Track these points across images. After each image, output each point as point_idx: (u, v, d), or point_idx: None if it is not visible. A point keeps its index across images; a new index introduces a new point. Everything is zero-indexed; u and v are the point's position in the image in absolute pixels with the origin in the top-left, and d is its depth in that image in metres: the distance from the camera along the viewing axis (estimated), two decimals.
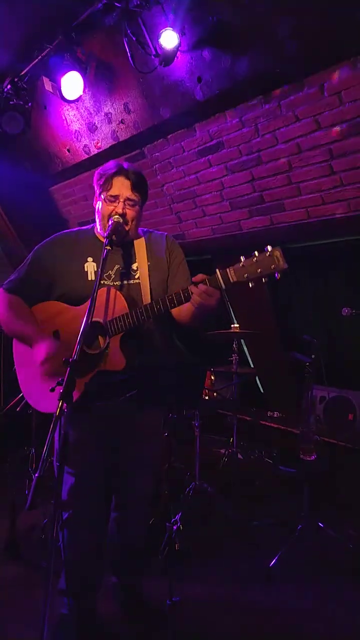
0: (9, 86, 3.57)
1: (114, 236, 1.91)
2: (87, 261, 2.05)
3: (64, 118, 3.75)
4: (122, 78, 3.17)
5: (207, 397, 3.69)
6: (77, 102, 3.37)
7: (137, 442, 2.08)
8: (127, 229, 2.00)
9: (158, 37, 2.65)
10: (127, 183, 1.99)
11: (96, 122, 3.55)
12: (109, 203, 2.00)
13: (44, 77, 3.26)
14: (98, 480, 2.07)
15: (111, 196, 1.99)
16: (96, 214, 2.08)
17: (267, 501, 3.55)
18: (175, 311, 1.97)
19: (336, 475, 3.48)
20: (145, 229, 2.19)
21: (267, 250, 1.65)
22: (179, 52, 2.71)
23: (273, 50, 2.42)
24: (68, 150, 3.95)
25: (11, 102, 3.62)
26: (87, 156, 3.84)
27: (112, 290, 1.94)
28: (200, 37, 2.63)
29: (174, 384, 1.81)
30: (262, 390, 4.70)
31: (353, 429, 3.67)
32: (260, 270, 1.65)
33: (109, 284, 2.00)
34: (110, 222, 1.95)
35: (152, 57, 2.77)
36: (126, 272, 2.04)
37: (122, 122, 3.39)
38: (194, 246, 4.06)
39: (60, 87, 3.17)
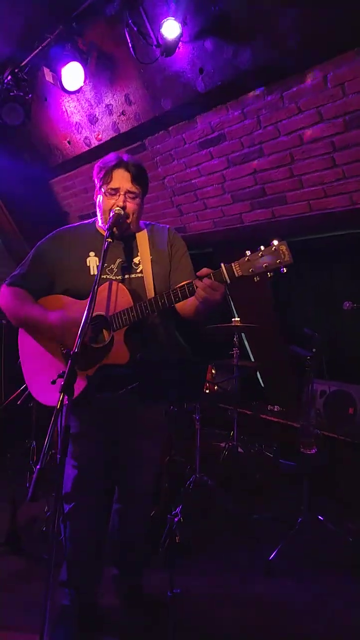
0: (9, 77, 3.53)
1: (115, 229, 1.90)
2: (89, 256, 2.05)
3: (64, 110, 3.72)
4: (123, 69, 3.14)
5: (207, 391, 3.70)
6: (78, 93, 3.35)
7: (138, 435, 2.08)
8: (128, 221, 1.99)
9: (160, 27, 2.62)
10: (127, 175, 1.97)
11: (97, 114, 3.53)
12: (110, 196, 1.99)
13: (44, 68, 3.23)
14: (100, 472, 2.08)
15: (111, 189, 1.98)
16: (97, 207, 2.07)
17: (267, 495, 3.56)
18: (179, 305, 1.97)
19: (336, 469, 3.49)
20: (147, 222, 2.17)
21: (273, 245, 1.65)
22: (180, 43, 2.68)
23: (276, 41, 2.39)
24: (68, 142, 3.92)
25: (11, 94, 3.58)
26: (87, 148, 3.81)
27: (116, 284, 1.93)
28: (202, 27, 2.60)
29: (176, 379, 1.80)
30: (262, 384, 4.70)
31: (353, 422, 3.67)
32: (266, 264, 1.65)
33: (112, 278, 2.00)
34: (111, 215, 1.94)
35: (154, 47, 2.75)
36: (128, 266, 2.04)
37: (123, 113, 3.36)
38: (195, 239, 4.04)
39: (60, 78, 3.14)
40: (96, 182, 2.05)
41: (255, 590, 2.57)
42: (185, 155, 3.53)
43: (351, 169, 2.82)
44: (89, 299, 1.66)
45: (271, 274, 1.66)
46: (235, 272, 1.69)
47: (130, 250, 2.06)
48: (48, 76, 3.23)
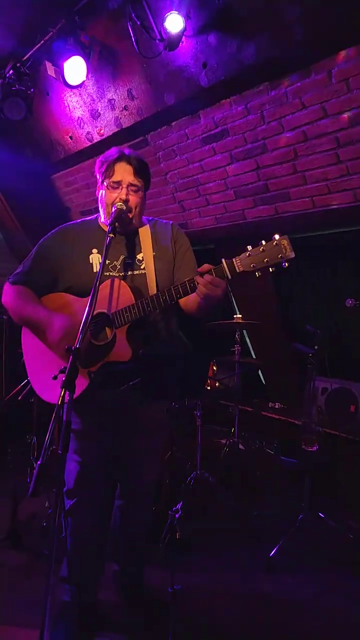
0: (11, 71, 3.51)
1: (117, 224, 1.89)
2: (91, 253, 2.03)
3: (66, 104, 3.70)
4: (125, 63, 3.12)
5: (209, 388, 3.69)
6: (80, 88, 3.32)
7: (140, 433, 2.08)
8: (130, 216, 1.98)
9: (163, 21, 2.60)
10: (129, 168, 1.96)
11: (99, 109, 3.51)
12: (112, 190, 1.98)
13: (46, 62, 3.21)
14: (103, 469, 2.08)
15: (114, 182, 1.97)
16: (99, 202, 2.05)
17: (267, 491, 3.56)
18: (182, 302, 1.96)
19: (337, 467, 3.48)
20: (150, 218, 2.16)
21: (275, 239, 1.63)
22: (184, 37, 2.66)
23: (280, 35, 2.37)
24: (70, 138, 3.90)
25: (13, 88, 3.56)
26: (89, 143, 3.79)
27: (118, 281, 1.92)
28: (206, 21, 2.58)
29: (178, 374, 1.79)
30: (263, 381, 4.69)
31: (355, 420, 3.66)
32: (267, 259, 1.63)
33: (115, 275, 1.99)
34: (113, 210, 1.92)
35: (157, 41, 2.73)
36: (131, 263, 2.03)
37: (125, 108, 3.34)
38: (197, 235, 4.02)
39: (63, 72, 3.13)
40: (98, 176, 2.03)
41: (256, 587, 2.57)
42: (187, 151, 3.52)
43: (355, 165, 2.80)
44: (90, 296, 1.66)
45: (273, 269, 1.65)
46: (237, 268, 1.68)
47: (134, 246, 2.05)
48: (50, 70, 3.21)
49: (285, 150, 3.02)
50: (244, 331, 4.50)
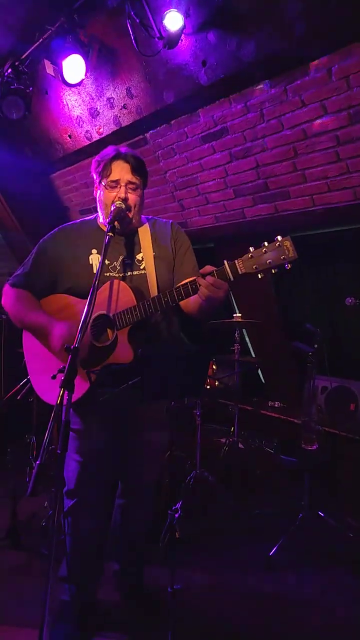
0: (9, 70, 3.49)
1: (116, 222, 1.88)
2: (91, 253, 2.02)
3: (65, 103, 3.69)
4: (124, 61, 3.11)
5: (208, 387, 3.69)
6: (79, 86, 3.31)
7: (140, 431, 2.07)
8: (130, 215, 1.97)
9: (162, 18, 2.59)
10: (126, 167, 1.95)
11: (98, 107, 3.50)
12: (111, 189, 1.96)
13: (45, 60, 3.20)
14: (103, 468, 2.07)
15: (112, 181, 1.96)
16: (98, 203, 2.04)
17: (267, 490, 3.55)
18: (182, 303, 1.95)
19: (337, 465, 3.48)
20: (149, 217, 2.15)
21: (277, 240, 1.62)
22: (183, 35, 2.65)
23: (280, 33, 2.36)
24: (69, 136, 3.89)
25: (12, 87, 3.54)
26: (88, 142, 3.78)
27: (119, 282, 1.91)
28: (205, 19, 2.57)
29: (178, 375, 1.79)
30: (263, 380, 4.69)
31: (355, 419, 3.66)
32: (269, 261, 1.63)
33: (115, 276, 1.98)
34: (112, 209, 1.91)
35: (156, 39, 2.71)
36: (131, 263, 2.02)
37: (124, 107, 3.33)
38: (196, 234, 4.01)
39: (61, 71, 3.11)
40: (95, 176, 2.02)
41: (256, 586, 2.57)
42: (187, 149, 3.51)
43: (355, 163, 2.80)
44: (89, 297, 1.65)
45: (275, 270, 1.64)
46: (239, 270, 1.67)
47: (133, 246, 2.04)
48: (49, 69, 3.20)
49: (284, 149, 3.01)
50: (244, 330, 4.50)
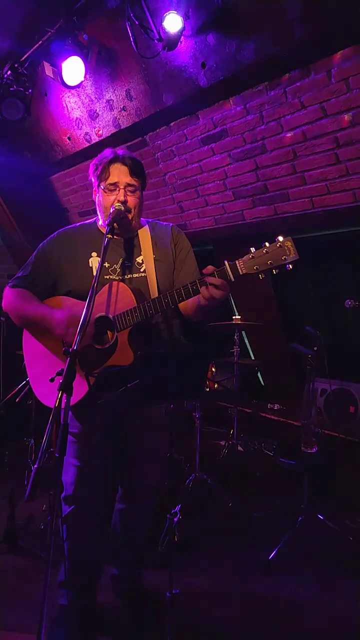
0: (9, 72, 3.50)
1: (115, 224, 1.88)
2: (91, 256, 2.01)
3: (64, 105, 3.69)
4: (124, 63, 3.11)
5: (208, 389, 3.68)
6: (78, 88, 3.31)
7: (140, 434, 2.06)
8: (130, 217, 1.96)
9: (161, 20, 2.58)
10: (124, 169, 1.94)
11: (97, 109, 3.50)
12: (109, 192, 1.95)
13: (44, 62, 3.19)
14: (103, 472, 2.06)
15: (110, 184, 1.95)
16: (97, 206, 2.03)
17: (267, 493, 3.54)
18: (180, 305, 1.94)
19: (336, 468, 3.47)
20: (149, 220, 2.14)
21: (278, 241, 1.62)
22: (182, 37, 2.65)
23: (280, 35, 2.36)
24: (69, 138, 3.89)
25: (11, 89, 3.55)
26: (88, 144, 3.78)
27: (120, 284, 1.90)
28: (205, 20, 2.57)
29: (177, 377, 1.77)
30: (262, 383, 4.68)
31: (354, 421, 3.65)
32: (270, 261, 1.62)
33: (115, 278, 1.97)
34: (111, 211, 1.90)
35: (155, 41, 2.71)
36: (131, 266, 2.01)
37: (123, 109, 3.33)
38: (196, 236, 4.01)
39: (61, 73, 3.11)
40: (93, 180, 2.01)
41: (255, 589, 2.55)
42: (186, 152, 3.51)
43: (355, 165, 2.79)
44: (88, 299, 1.64)
45: (276, 271, 1.64)
46: (240, 270, 1.66)
47: (134, 249, 2.03)
48: (48, 70, 3.19)
49: (284, 151, 3.01)
50: (243, 332, 4.49)
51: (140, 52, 2.82)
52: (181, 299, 1.77)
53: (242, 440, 3.82)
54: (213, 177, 3.52)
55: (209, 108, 3.10)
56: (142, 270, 2.00)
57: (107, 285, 1.91)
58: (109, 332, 1.92)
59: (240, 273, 1.66)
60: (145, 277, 1.99)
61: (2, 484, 3.26)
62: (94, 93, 3.42)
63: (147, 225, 2.09)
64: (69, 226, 2.15)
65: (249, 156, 3.20)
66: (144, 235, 2.05)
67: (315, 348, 2.91)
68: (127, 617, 2.27)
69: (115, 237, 1.96)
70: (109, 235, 1.80)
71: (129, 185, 1.95)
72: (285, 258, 1.61)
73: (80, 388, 1.86)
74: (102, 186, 1.97)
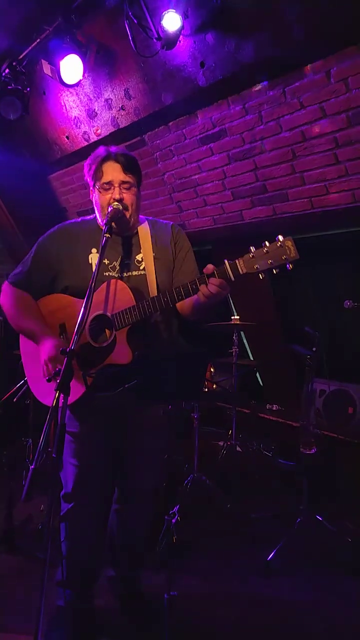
0: (7, 70, 3.48)
1: (113, 223, 1.87)
2: (91, 252, 2.01)
3: (63, 104, 3.68)
4: (123, 62, 3.10)
5: (206, 390, 3.67)
6: (77, 87, 3.30)
7: (138, 435, 2.05)
8: (127, 215, 1.95)
9: (160, 19, 2.57)
10: (117, 167, 1.93)
11: (96, 108, 3.48)
12: (105, 191, 1.94)
13: (43, 61, 3.18)
14: (101, 472, 2.05)
15: (105, 183, 1.94)
16: (95, 206, 2.03)
17: (265, 494, 3.53)
18: (179, 304, 1.93)
19: (335, 469, 3.46)
20: (150, 218, 2.13)
21: (278, 240, 1.61)
22: (181, 36, 2.64)
23: (279, 35, 2.35)
24: (67, 137, 3.88)
25: (9, 87, 3.53)
26: (86, 143, 3.77)
27: (117, 282, 1.89)
28: (204, 20, 2.56)
29: (175, 378, 1.77)
30: (261, 383, 4.67)
31: (353, 422, 3.64)
32: (271, 261, 1.61)
33: (114, 276, 1.96)
34: (109, 210, 1.89)
35: (154, 40, 2.70)
36: (131, 263, 2.00)
37: (122, 108, 3.32)
38: (194, 236, 3.97)
39: (59, 71, 3.10)
40: (89, 181, 2.00)
41: (254, 590, 2.55)
42: (185, 151, 3.50)
43: (354, 165, 2.79)
44: (85, 297, 1.63)
45: (277, 270, 1.63)
46: (240, 269, 1.65)
47: (133, 247, 2.02)
48: (46, 69, 3.18)
49: (283, 151, 3.00)
50: (242, 333, 4.49)
51: (139, 51, 2.81)
52: (180, 298, 1.76)
53: (240, 441, 3.80)
54: (212, 177, 3.51)
55: (208, 107, 3.09)
56: (141, 268, 1.99)
57: (105, 283, 1.90)
58: (107, 330, 1.91)
59: (241, 272, 1.65)
60: (145, 275, 1.98)
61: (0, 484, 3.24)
62: (93, 92, 3.40)
63: (147, 223, 2.08)
64: (69, 221, 2.15)
65: (247, 156, 3.19)
66: (144, 233, 2.04)
67: (314, 349, 2.90)
68: (125, 619, 2.26)
69: (114, 235, 1.95)
70: (107, 235, 1.79)
71: (123, 182, 1.93)
72: (285, 258, 1.60)
73: (77, 388, 1.85)
74: (97, 186, 1.96)
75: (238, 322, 3.60)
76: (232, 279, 1.67)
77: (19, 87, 3.51)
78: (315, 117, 2.72)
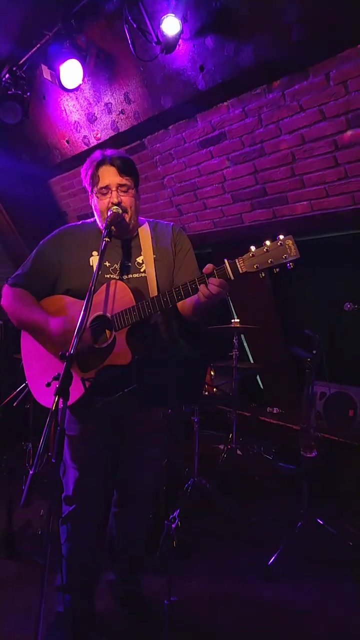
0: (7, 75, 3.49)
1: (113, 227, 1.87)
2: (92, 255, 2.00)
3: (62, 108, 3.69)
4: (122, 67, 3.11)
5: (206, 393, 3.66)
6: (77, 91, 3.31)
7: (137, 439, 2.05)
8: (127, 218, 1.95)
9: (159, 23, 2.58)
10: (112, 170, 1.92)
11: (96, 113, 3.49)
12: (103, 196, 1.95)
13: (42, 65, 3.19)
14: (101, 475, 2.04)
15: (102, 188, 1.94)
16: (94, 211, 2.03)
17: (266, 498, 3.52)
18: (179, 304, 1.93)
19: (336, 472, 3.45)
20: (150, 220, 2.13)
21: (279, 239, 1.61)
22: (181, 40, 2.65)
23: (278, 38, 2.36)
24: (67, 142, 3.89)
25: (9, 92, 3.54)
26: (86, 147, 3.77)
27: (116, 283, 1.89)
28: (203, 23, 2.57)
29: (175, 379, 1.76)
30: (261, 386, 4.66)
31: (353, 425, 3.63)
32: (271, 260, 1.61)
33: (115, 278, 1.96)
34: (108, 214, 1.89)
35: (154, 44, 2.71)
36: (132, 266, 2.00)
37: (122, 112, 3.32)
38: (194, 240, 3.91)
39: (59, 76, 3.11)
40: (87, 187, 2.01)
41: (255, 594, 2.53)
42: (185, 155, 3.50)
43: (353, 168, 2.79)
44: (93, 298, 1.63)
45: (277, 269, 1.62)
46: (240, 269, 1.65)
47: (134, 249, 2.02)
48: (46, 74, 3.19)
49: (283, 154, 3.01)
50: (242, 336, 4.48)
51: (139, 55, 2.82)
52: (180, 298, 1.76)
53: (241, 444, 3.79)
54: (211, 180, 3.52)
55: (208, 111, 3.10)
56: (142, 270, 1.99)
57: (105, 284, 1.90)
58: (107, 331, 1.90)
59: (240, 272, 1.65)
60: (145, 277, 1.98)
61: None
62: (93, 96, 3.41)
63: (147, 225, 2.08)
64: (70, 224, 2.15)
65: (247, 159, 3.20)
66: (145, 235, 2.04)
67: (314, 351, 2.89)
68: (125, 623, 2.24)
69: (114, 238, 1.95)
70: (107, 239, 1.79)
71: (120, 185, 1.93)
72: (286, 257, 1.59)
73: (75, 389, 1.84)
74: (94, 191, 1.96)
75: (238, 325, 3.59)
76: (232, 278, 1.66)
77: (19, 92, 3.52)
78: (314, 119, 2.73)
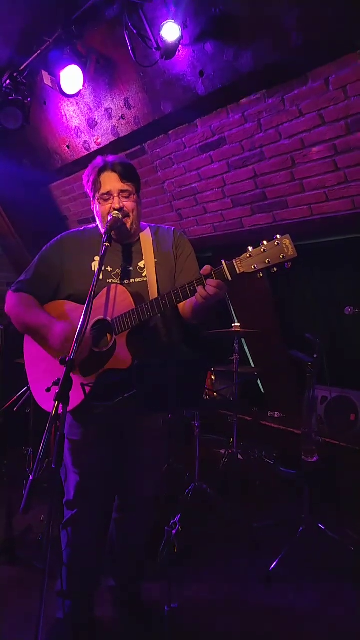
0: (8, 81, 3.51)
1: (113, 232, 1.87)
2: (94, 260, 2.01)
3: (63, 114, 3.70)
4: (122, 72, 3.12)
5: (207, 397, 3.65)
6: (77, 97, 3.32)
7: (138, 444, 2.04)
8: (128, 223, 1.96)
9: (159, 29, 2.60)
10: (114, 176, 1.93)
11: (96, 118, 3.51)
12: (105, 202, 1.96)
13: (43, 71, 3.21)
14: (102, 480, 2.04)
15: (104, 194, 1.94)
16: (96, 217, 2.04)
17: (267, 502, 3.51)
18: (180, 308, 1.93)
19: (337, 477, 3.44)
20: (152, 225, 2.14)
21: (276, 239, 1.61)
22: (180, 45, 2.66)
23: (277, 43, 2.37)
24: (67, 147, 3.90)
25: (10, 98, 3.55)
26: (87, 152, 3.79)
27: (118, 287, 1.90)
28: (202, 29, 2.58)
29: (175, 386, 1.76)
30: (262, 390, 4.65)
31: (355, 429, 3.62)
32: (268, 260, 1.60)
33: (117, 283, 1.96)
34: (109, 219, 1.90)
35: (154, 50, 2.72)
36: (133, 270, 2.00)
37: (122, 117, 3.34)
38: (195, 244, 3.92)
39: (59, 82, 3.12)
40: (88, 193, 2.02)
41: (256, 599, 2.52)
42: (185, 159, 3.51)
43: (353, 172, 2.79)
44: (95, 303, 1.63)
45: (275, 269, 1.62)
46: (237, 269, 1.65)
47: (136, 254, 2.03)
48: (47, 79, 3.21)
49: (282, 158, 3.01)
50: (243, 340, 4.48)
51: (139, 61, 2.83)
52: (179, 300, 1.76)
53: (242, 449, 3.78)
54: (211, 184, 3.52)
55: (207, 116, 3.11)
56: (143, 274, 2.00)
57: (105, 289, 1.91)
58: (107, 335, 1.91)
59: (238, 272, 1.65)
60: (146, 282, 1.98)
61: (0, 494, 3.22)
62: (93, 102, 3.43)
63: (149, 230, 2.09)
64: (72, 230, 2.15)
65: (247, 164, 3.21)
66: (146, 240, 2.04)
67: (315, 355, 2.89)
68: (125, 629, 2.23)
69: (116, 243, 1.95)
70: (107, 244, 1.80)
71: (122, 191, 1.94)
72: (283, 256, 1.59)
73: (75, 394, 1.84)
74: (96, 197, 1.97)
75: (239, 329, 3.59)
76: (230, 279, 1.66)
77: (20, 98, 3.53)
78: (314, 124, 2.73)
